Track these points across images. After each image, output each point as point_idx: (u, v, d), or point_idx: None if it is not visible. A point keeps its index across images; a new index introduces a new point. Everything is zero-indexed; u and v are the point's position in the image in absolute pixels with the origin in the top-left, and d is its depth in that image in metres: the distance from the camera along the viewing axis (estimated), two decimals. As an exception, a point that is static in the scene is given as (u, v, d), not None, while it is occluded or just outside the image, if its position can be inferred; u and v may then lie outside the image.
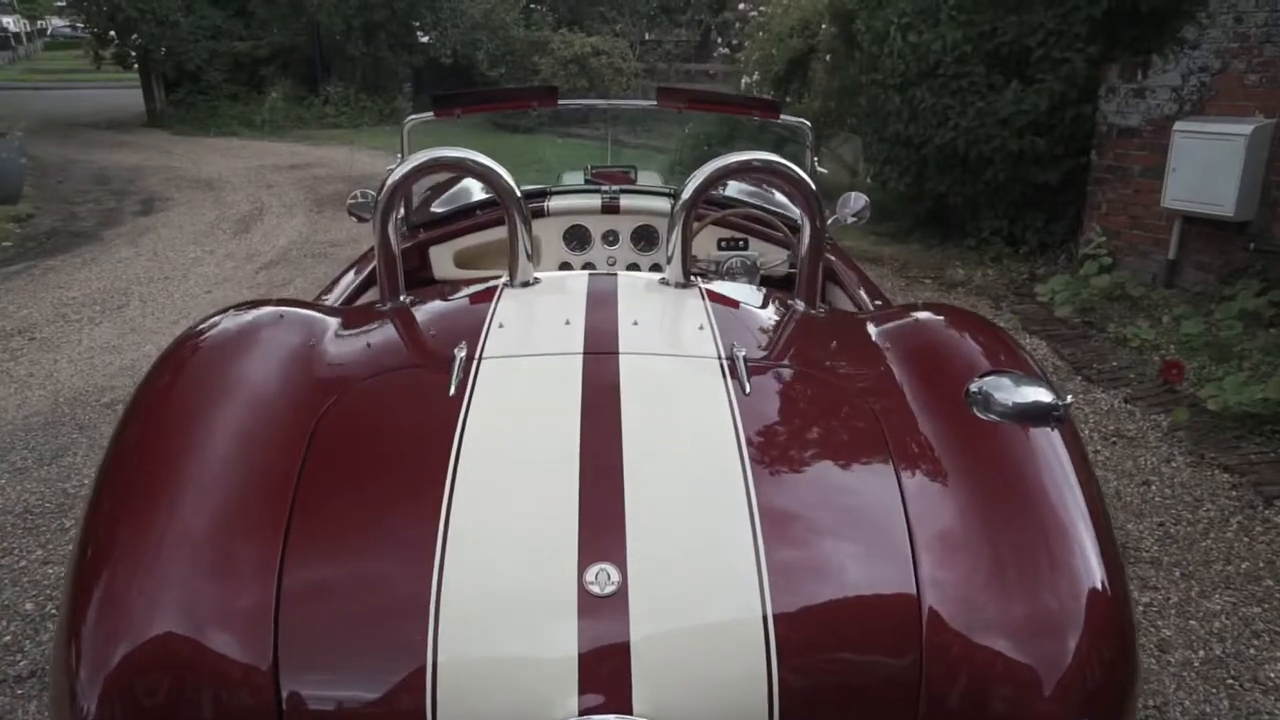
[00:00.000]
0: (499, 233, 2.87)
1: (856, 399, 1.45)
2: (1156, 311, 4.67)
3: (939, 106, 5.68)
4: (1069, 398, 1.43)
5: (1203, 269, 4.87)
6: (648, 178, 3.13)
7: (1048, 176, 5.48)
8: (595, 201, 2.76)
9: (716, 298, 1.77)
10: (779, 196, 3.58)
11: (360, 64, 15.28)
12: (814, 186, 1.75)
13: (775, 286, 2.80)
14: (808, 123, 2.62)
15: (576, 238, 2.78)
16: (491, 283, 1.83)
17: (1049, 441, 1.36)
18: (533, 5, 16.85)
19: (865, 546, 1.21)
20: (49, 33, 40.47)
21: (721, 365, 1.45)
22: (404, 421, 1.38)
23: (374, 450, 1.32)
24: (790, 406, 1.46)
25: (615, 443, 1.26)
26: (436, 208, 3.08)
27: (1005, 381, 1.44)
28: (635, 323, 1.57)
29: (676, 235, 1.75)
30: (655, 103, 2.64)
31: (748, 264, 2.67)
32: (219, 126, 14.40)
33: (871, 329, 1.71)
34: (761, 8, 10.73)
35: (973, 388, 1.43)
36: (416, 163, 1.70)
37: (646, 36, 17.38)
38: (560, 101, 2.61)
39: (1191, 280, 4.93)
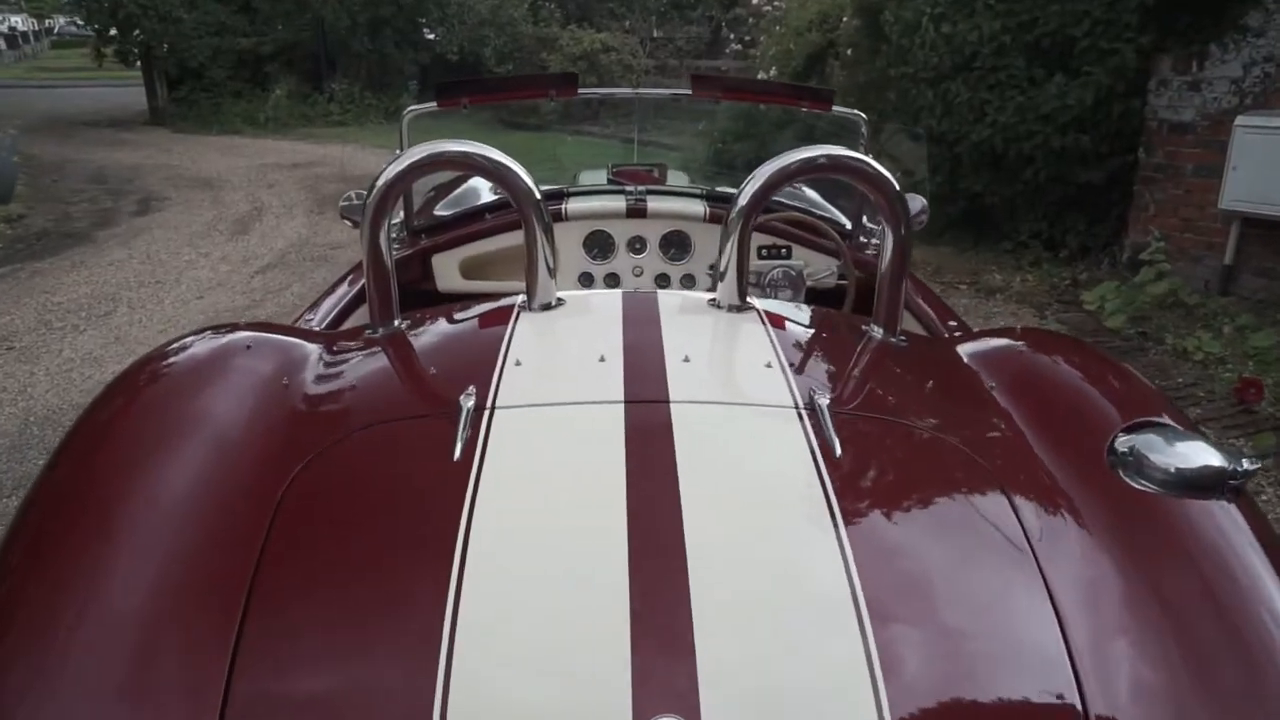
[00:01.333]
0: (511, 238, 2.58)
1: (972, 458, 1.14)
2: (1215, 321, 4.33)
3: (975, 101, 5.34)
4: (1246, 461, 1.10)
5: (1264, 275, 4.53)
6: (674, 177, 2.81)
7: (1091, 176, 5.14)
8: (619, 203, 2.45)
9: (779, 323, 1.45)
10: (809, 193, 3.26)
11: (366, 61, 15.01)
12: (898, 187, 1.43)
13: (821, 301, 2.50)
14: (862, 115, 2.30)
15: (598, 245, 2.46)
16: (505, 301, 1.53)
17: (1229, 518, 1.05)
18: (540, 1, 16.55)
19: (1012, 656, 0.91)
20: (56, 31, 40.45)
21: (800, 416, 1.14)
22: (396, 494, 1.07)
23: (356, 532, 1.01)
24: (893, 471, 1.14)
25: (674, 526, 0.95)
26: (441, 210, 2.78)
27: (1157, 439, 1.13)
28: (686, 359, 1.25)
29: (731, 248, 1.43)
30: (689, 92, 2.33)
31: (792, 275, 2.36)
32: (222, 124, 14.15)
33: (970, 362, 1.40)
34: (776, 1, 10.41)
35: (1119, 446, 1.12)
36: (414, 159, 1.39)
37: (656, 33, 17.09)
38: (580, 90, 2.30)
39: (1251, 287, 4.58)
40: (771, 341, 1.35)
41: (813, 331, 1.53)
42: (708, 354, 1.33)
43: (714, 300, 1.50)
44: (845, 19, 8.35)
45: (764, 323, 1.43)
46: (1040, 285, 5.16)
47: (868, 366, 1.37)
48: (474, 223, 2.48)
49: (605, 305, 1.49)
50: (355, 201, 2.42)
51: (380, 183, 1.40)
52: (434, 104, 2.25)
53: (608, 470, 1.02)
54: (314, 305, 2.09)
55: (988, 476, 1.09)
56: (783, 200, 2.75)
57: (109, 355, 4.21)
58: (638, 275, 2.47)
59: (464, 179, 3.76)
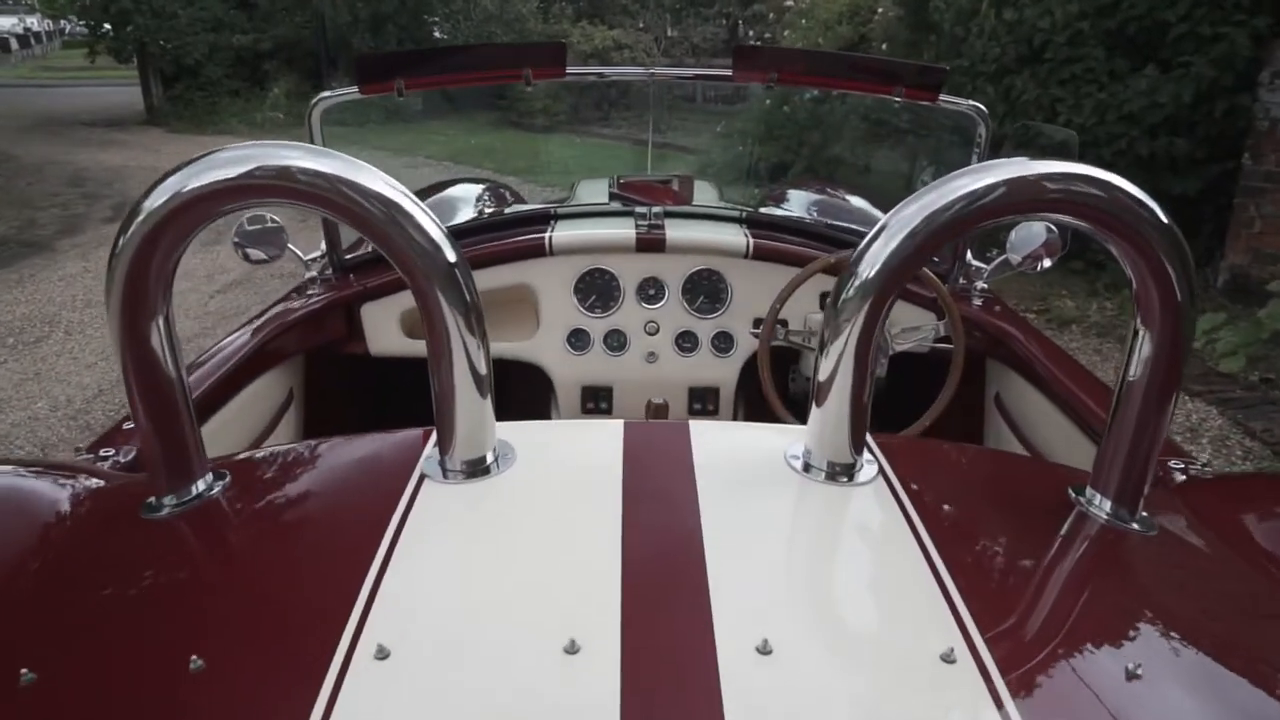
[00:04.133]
0: (479, 279, 1.83)
1: None
2: (1351, 364, 3.57)
3: (1045, 99, 4.60)
4: None
5: (1405, 307, 3.76)
6: (701, 192, 2.09)
7: (1185, 187, 4.38)
8: (626, 231, 1.74)
9: (935, 513, 0.74)
10: (872, 210, 2.55)
11: (367, 59, 14.38)
12: (1174, 227, 0.73)
13: (911, 371, 1.78)
14: (981, 108, 1.59)
15: (596, 290, 1.75)
16: (401, 439, 0.85)
17: None
18: (551, -3, 15.93)
19: None
20: (68, 32, 40.38)
21: None
22: None
23: None
24: None
25: None
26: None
27: None
28: (764, 648, 0.54)
29: (843, 351, 0.73)
30: (727, 73, 1.61)
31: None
32: (218, 124, 13.57)
33: None
34: (800, -5, 9.72)
35: None
36: (167, 197, 0.70)
37: (670, 32, 16.49)
38: (570, 71, 1.60)
39: (1387, 321, 3.81)
40: (940, 581, 0.63)
41: (996, 525, 0.80)
42: (812, 634, 0.61)
43: (803, 457, 0.79)
44: (880, 10, 7.65)
45: (908, 517, 0.71)
46: (1122, 314, 4.40)
47: (1151, 646, 0.65)
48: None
49: (588, 461, 0.78)
50: (260, 227, 1.69)
51: (126, 235, 0.70)
52: (354, 89, 1.55)
53: None
54: None
55: None
56: (852, 227, 2.03)
57: (18, 397, 3.53)
58: (652, 333, 1.75)
59: (439, 188, 3.06)
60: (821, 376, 0.75)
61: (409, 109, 12.38)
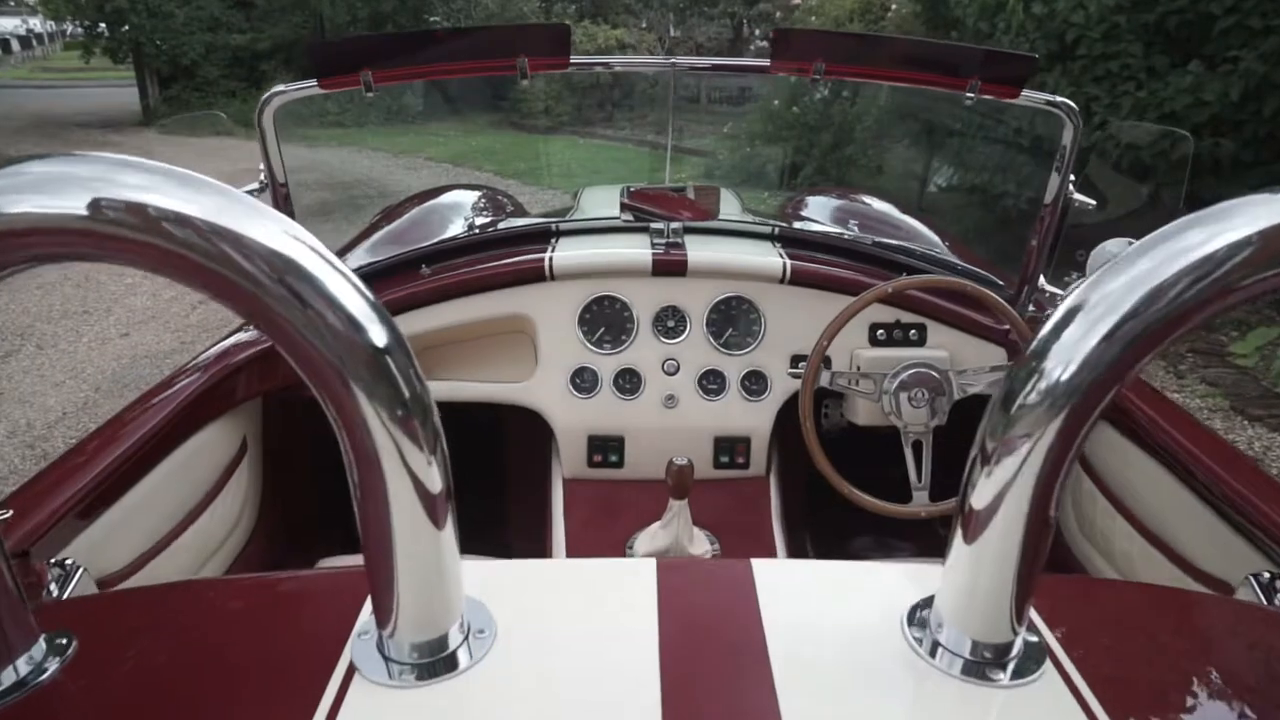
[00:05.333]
0: (464, 309, 1.57)
1: None
2: None
3: (1079, 98, 4.31)
4: None
5: None
6: (724, 203, 1.82)
7: (1230, 192, 4.10)
8: (640, 251, 1.47)
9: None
10: (914, 224, 2.29)
11: (366, 58, 14.15)
12: None
13: (963, 414, 1.51)
14: (1071, 105, 1.32)
15: (605, 321, 1.48)
16: (304, 588, 0.60)
17: None
18: (553, -4, 15.70)
19: None
20: (68, 33, 40.34)
21: None
22: None
23: None
24: None
25: None
26: (368, 252, 1.82)
27: None
28: None
29: (1014, 479, 0.45)
30: (764, 63, 1.35)
31: (933, 378, 1.36)
32: (214, 124, 13.36)
33: None
34: (809, -8, 9.50)
35: None
36: None
37: (674, 31, 16.27)
38: (575, 60, 1.33)
39: None
40: None
41: (1204, 708, 0.53)
42: None
43: (930, 631, 0.52)
44: (894, 6, 7.41)
45: (1090, 715, 0.44)
46: (1163, 327, 4.13)
47: None
48: (399, 281, 1.50)
49: (605, 635, 0.51)
50: None
51: None
52: (312, 83, 1.28)
53: None
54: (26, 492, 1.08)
55: None
56: (904, 244, 1.75)
57: (-24, 421, 3.28)
58: (670, 373, 1.48)
59: (434, 194, 2.80)
60: (977, 504, 0.49)
61: (411, 109, 12.11)
